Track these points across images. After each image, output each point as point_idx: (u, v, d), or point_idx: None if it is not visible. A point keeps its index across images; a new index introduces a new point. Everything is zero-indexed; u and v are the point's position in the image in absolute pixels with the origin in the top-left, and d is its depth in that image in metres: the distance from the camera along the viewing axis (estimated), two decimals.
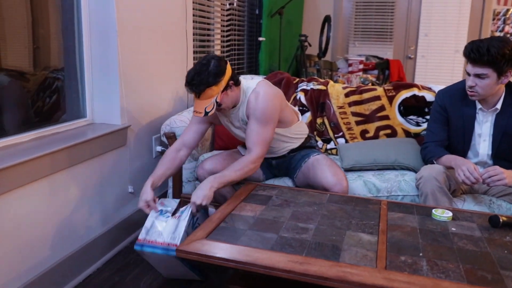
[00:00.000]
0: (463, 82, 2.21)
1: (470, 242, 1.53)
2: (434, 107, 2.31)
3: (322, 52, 4.67)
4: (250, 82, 2.10)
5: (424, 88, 2.77)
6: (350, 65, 5.14)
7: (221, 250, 1.42)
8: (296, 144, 2.27)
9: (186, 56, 3.01)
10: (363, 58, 5.23)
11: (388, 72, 5.20)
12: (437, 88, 2.74)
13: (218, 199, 2.27)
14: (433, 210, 1.76)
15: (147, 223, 1.81)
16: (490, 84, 2.01)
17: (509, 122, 2.10)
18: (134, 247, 1.77)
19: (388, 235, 1.56)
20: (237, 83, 2.02)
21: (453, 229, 1.64)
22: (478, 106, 2.15)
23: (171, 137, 2.49)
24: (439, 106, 2.27)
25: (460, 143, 2.22)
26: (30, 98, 2.08)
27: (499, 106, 2.11)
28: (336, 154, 2.73)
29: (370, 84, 4.73)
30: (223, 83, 1.92)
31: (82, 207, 2.13)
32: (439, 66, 5.95)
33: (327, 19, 4.65)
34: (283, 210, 1.76)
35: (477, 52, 1.95)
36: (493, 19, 5.72)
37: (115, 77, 2.30)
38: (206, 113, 1.88)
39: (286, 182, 2.32)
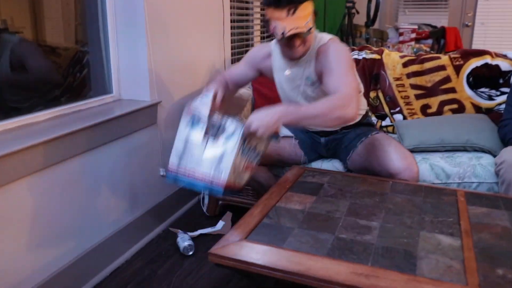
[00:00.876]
0: None
1: None
2: None
3: (371, 21, 4.25)
4: (320, 35, 1.77)
5: (498, 55, 2.36)
6: (401, 34, 4.67)
7: (264, 255, 1.14)
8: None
9: (222, 27, 2.72)
10: (415, 27, 4.75)
11: (443, 42, 4.71)
12: None
13: (252, 185, 1.99)
14: None
15: (178, 142, 1.48)
16: None
17: None
18: (166, 178, 1.52)
19: (474, 237, 1.23)
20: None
21: None
22: None
23: None
24: None
25: None
26: (62, 74, 1.92)
27: None
28: (393, 133, 2.38)
29: None
30: (313, 4, 1.62)
31: (108, 193, 1.90)
32: (500, 34, 5.37)
33: None
34: (338, 202, 1.46)
35: None
36: None
37: (143, 47, 2.04)
38: (308, 30, 1.58)
39: (335, 165, 2.00)
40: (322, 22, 4.03)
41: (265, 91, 2.45)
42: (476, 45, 5.45)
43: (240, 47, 3.17)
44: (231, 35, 2.91)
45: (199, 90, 2.49)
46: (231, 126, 1.44)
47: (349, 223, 1.31)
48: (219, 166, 1.42)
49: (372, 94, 2.47)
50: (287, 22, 1.56)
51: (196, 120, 1.48)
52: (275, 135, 1.50)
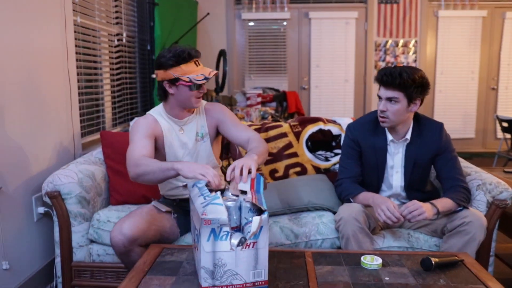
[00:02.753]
0: (372, 114, 2.18)
1: None
2: (346, 142, 2.23)
3: (220, 87, 4.52)
4: None
5: (329, 121, 2.71)
6: (248, 98, 5.05)
7: None
8: None
9: (70, 98, 2.63)
10: (260, 91, 5.18)
11: (286, 104, 5.21)
12: (342, 120, 2.70)
13: (127, 266, 1.91)
14: (362, 258, 1.62)
15: (205, 260, 1.35)
16: (400, 109, 2.00)
17: (418, 153, 2.10)
18: None
19: None
20: None
21: (387, 278, 1.50)
22: (389, 137, 2.12)
23: (55, 197, 2.09)
24: (350, 140, 2.19)
25: (374, 176, 2.16)
26: None
27: (408, 136, 2.10)
28: None
29: (270, 117, 4.68)
30: None
31: None
32: (331, 95, 6.14)
33: (222, 53, 4.54)
34: (196, 280, 1.49)
35: (390, 76, 1.96)
36: (375, 50, 6.09)
37: None
38: (215, 75, 1.97)
39: None
40: None
41: (118, 167, 2.41)
42: (314, 105, 6.14)
43: (90, 114, 3.08)
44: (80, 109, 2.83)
45: (46, 170, 2.34)
46: (249, 214, 1.44)
47: None
48: (256, 267, 1.39)
49: (225, 163, 2.60)
50: (200, 70, 1.90)
51: (218, 230, 1.37)
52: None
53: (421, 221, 2.04)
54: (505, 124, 4.35)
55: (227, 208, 1.44)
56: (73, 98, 2.67)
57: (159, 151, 2.00)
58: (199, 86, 1.93)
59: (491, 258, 2.14)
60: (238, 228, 1.50)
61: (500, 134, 6.15)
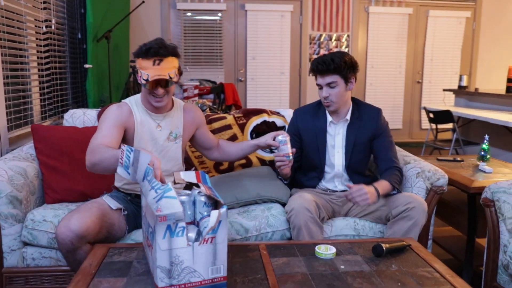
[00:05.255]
0: (317, 101, 2.30)
1: (363, 280, 1.42)
2: (289, 127, 2.36)
3: None
4: (175, 98, 2.08)
5: (273, 113, 2.71)
6: (185, 90, 4.93)
7: None
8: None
9: None
10: (197, 83, 5.08)
11: (223, 96, 5.16)
12: (285, 112, 2.72)
13: (72, 266, 1.77)
14: (316, 248, 1.62)
15: (161, 259, 1.28)
16: (341, 91, 2.14)
17: (358, 134, 2.21)
18: None
19: None
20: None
21: (342, 267, 1.52)
22: (329, 119, 2.23)
23: None
24: (292, 126, 2.32)
25: (317, 157, 2.25)
26: None
27: (348, 117, 2.22)
28: None
29: (207, 109, 4.60)
30: (178, 62, 1.88)
31: None
32: (267, 87, 6.18)
33: None
34: (151, 280, 1.41)
35: (324, 64, 2.10)
36: (310, 43, 6.20)
37: None
38: (170, 79, 1.80)
39: None
40: (107, 81, 3.95)
41: (53, 163, 2.24)
42: (250, 97, 6.15)
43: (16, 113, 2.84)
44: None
45: None
46: (204, 208, 1.41)
47: None
48: (214, 263, 1.32)
49: None
50: (153, 70, 1.77)
51: (174, 226, 1.27)
52: None
53: (365, 209, 2.11)
54: (431, 115, 4.61)
55: (181, 203, 1.38)
56: None
57: (127, 143, 1.91)
58: (152, 87, 1.82)
59: (429, 242, 2.25)
60: (193, 224, 1.45)
61: (425, 125, 6.55)
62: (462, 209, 2.47)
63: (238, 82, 6.09)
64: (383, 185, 2.03)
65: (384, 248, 1.60)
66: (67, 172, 2.25)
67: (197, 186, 1.49)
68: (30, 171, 2.15)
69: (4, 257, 1.98)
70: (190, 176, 1.54)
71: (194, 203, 1.45)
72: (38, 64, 3.24)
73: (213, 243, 1.33)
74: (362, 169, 2.27)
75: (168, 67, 1.81)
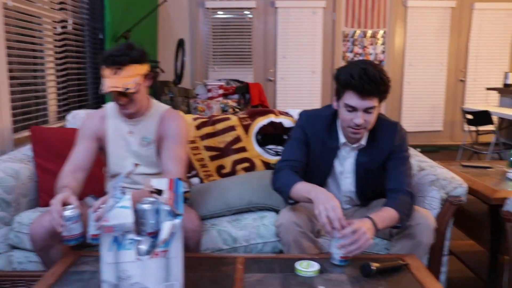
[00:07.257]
0: (328, 110, 1.90)
1: None
2: (295, 129, 1.94)
3: (178, 78, 4.32)
4: (156, 102, 1.97)
5: (281, 113, 2.55)
6: (209, 90, 4.86)
7: None
8: None
9: None
10: (223, 83, 4.99)
11: (248, 96, 5.04)
12: (295, 112, 2.54)
13: (48, 266, 1.72)
14: (296, 264, 1.47)
15: (107, 274, 1.20)
16: (375, 116, 1.74)
17: (371, 159, 1.86)
18: None
19: None
20: (150, 86, 1.87)
21: (321, 287, 1.36)
22: (342, 139, 1.85)
23: None
24: (298, 127, 1.92)
25: (318, 175, 1.91)
26: None
27: (364, 142, 1.84)
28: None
29: (230, 110, 4.50)
30: (145, 68, 1.77)
31: None
32: (298, 87, 6.00)
33: (180, 43, 4.34)
34: None
35: (373, 83, 1.62)
36: (343, 40, 5.97)
37: None
38: (126, 90, 1.69)
39: None
40: None
41: (49, 165, 2.20)
42: (280, 97, 6.00)
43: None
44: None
45: None
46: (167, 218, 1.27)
47: None
48: (168, 279, 1.22)
49: None
50: (110, 80, 1.68)
51: (122, 238, 1.19)
52: None
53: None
54: (470, 117, 4.28)
55: (142, 211, 1.27)
56: (2, 90, 2.45)
57: (103, 150, 1.90)
58: (114, 96, 1.76)
59: (445, 258, 2.02)
60: (156, 234, 1.33)
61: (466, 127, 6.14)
62: (483, 222, 2.21)
63: (268, 82, 5.96)
64: (383, 216, 1.63)
65: (373, 268, 1.42)
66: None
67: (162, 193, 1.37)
68: (23, 173, 2.11)
69: None
70: (161, 183, 1.43)
71: (157, 211, 1.34)
72: (55, 64, 3.25)
73: (166, 257, 1.21)
74: (377, 189, 1.91)
75: (127, 76, 1.70)
